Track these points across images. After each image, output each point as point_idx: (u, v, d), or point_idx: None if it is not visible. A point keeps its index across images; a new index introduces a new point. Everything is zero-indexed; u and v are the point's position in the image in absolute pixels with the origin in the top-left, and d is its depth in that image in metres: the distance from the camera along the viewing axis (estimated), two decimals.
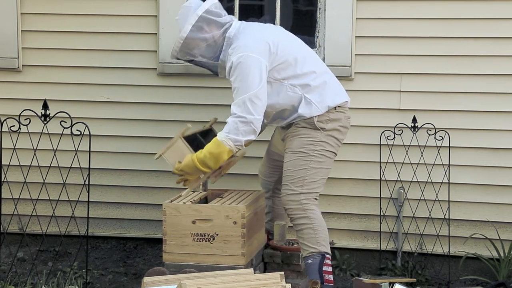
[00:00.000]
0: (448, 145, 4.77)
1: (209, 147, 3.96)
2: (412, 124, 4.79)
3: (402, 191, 4.89)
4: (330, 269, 4.05)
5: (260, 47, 3.99)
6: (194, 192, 4.34)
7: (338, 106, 4.14)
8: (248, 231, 4.11)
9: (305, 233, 4.07)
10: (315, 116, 4.09)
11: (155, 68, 5.07)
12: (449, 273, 4.83)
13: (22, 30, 5.16)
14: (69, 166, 4.35)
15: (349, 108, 4.28)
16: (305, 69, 4.09)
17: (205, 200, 4.38)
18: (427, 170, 4.83)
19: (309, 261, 4.06)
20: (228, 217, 4.07)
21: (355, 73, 4.88)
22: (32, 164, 4.35)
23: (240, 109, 3.91)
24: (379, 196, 4.87)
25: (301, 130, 4.13)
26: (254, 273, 3.34)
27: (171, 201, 4.19)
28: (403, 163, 4.85)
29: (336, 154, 4.21)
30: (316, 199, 4.14)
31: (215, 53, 4.11)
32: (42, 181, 4.31)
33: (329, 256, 4.07)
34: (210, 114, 4.93)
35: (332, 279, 4.04)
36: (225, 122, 3.95)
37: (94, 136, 4.34)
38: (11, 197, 4.40)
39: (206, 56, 4.11)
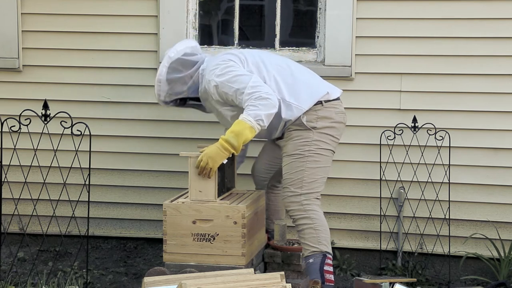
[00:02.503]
0: (448, 145, 4.77)
1: (231, 127, 3.99)
2: (413, 124, 4.80)
3: (402, 191, 4.89)
4: (331, 269, 4.05)
5: (230, 57, 4.15)
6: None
7: (325, 101, 4.13)
8: (248, 231, 4.11)
9: (306, 233, 4.07)
10: (303, 117, 4.09)
11: (156, 68, 5.07)
12: (450, 273, 4.83)
13: (22, 30, 5.16)
14: (70, 166, 4.35)
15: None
16: (274, 70, 4.14)
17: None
18: (427, 170, 4.83)
19: (310, 260, 4.06)
20: (228, 217, 4.07)
21: (355, 73, 4.88)
22: (32, 164, 4.35)
23: (250, 95, 3.95)
24: (379, 196, 4.87)
25: (293, 133, 4.14)
26: (255, 273, 3.35)
27: (172, 201, 4.19)
28: (403, 163, 4.85)
29: (334, 152, 4.21)
30: (317, 198, 4.14)
31: (195, 89, 4.26)
32: (43, 181, 4.31)
33: (330, 256, 4.07)
34: (211, 114, 4.94)
35: (333, 278, 4.04)
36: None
37: (94, 136, 4.34)
38: (11, 197, 4.40)
39: (188, 92, 4.25)
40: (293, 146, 4.13)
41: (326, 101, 4.14)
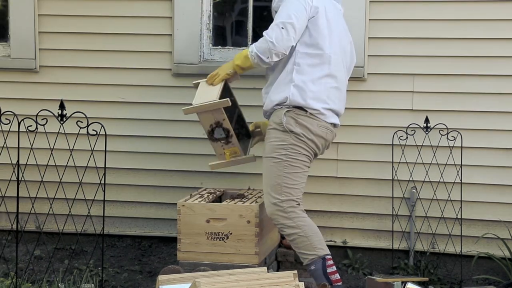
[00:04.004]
0: (460, 145, 4.79)
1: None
2: (425, 125, 4.82)
3: (414, 191, 4.91)
4: (334, 268, 4.04)
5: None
6: (235, 157, 4.26)
7: (310, 113, 4.04)
8: (261, 230, 4.14)
9: (299, 242, 4.02)
10: (284, 114, 4.02)
11: (170, 69, 5.12)
12: (461, 273, 4.85)
13: (39, 32, 5.23)
14: (85, 165, 4.39)
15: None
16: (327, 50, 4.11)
17: (219, 200, 4.43)
18: (439, 170, 4.85)
19: (312, 267, 4.03)
20: (241, 216, 4.11)
21: (367, 73, 4.91)
22: (49, 164, 4.39)
23: (269, 31, 4.04)
24: (391, 196, 4.89)
25: (271, 133, 4.09)
26: (268, 272, 3.37)
27: (186, 200, 4.24)
28: (415, 163, 4.87)
29: (310, 161, 4.12)
30: (299, 204, 4.06)
31: None
32: (59, 180, 4.35)
33: (329, 257, 4.03)
34: None
35: (338, 277, 4.03)
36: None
37: (110, 136, 4.38)
38: (28, 196, 4.45)
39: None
40: (270, 147, 4.08)
41: (311, 113, 4.05)
